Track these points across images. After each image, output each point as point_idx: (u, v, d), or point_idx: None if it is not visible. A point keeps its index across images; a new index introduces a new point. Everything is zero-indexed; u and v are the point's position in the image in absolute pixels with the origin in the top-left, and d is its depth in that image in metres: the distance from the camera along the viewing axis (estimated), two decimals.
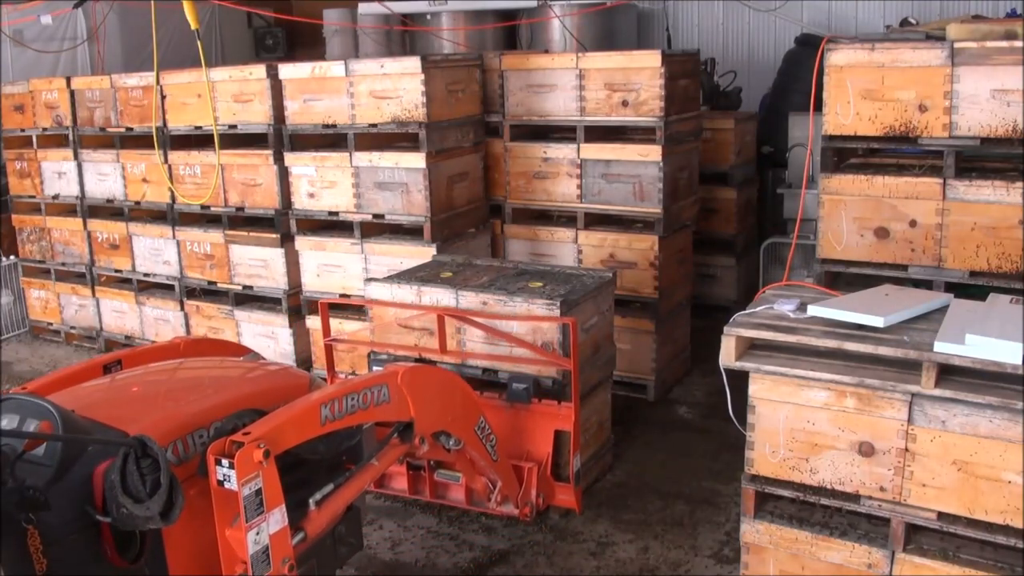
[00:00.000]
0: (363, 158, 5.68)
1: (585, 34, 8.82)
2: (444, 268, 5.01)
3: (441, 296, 4.57)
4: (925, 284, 3.94)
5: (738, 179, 7.22)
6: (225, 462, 2.52)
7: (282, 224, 6.12)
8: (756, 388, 3.30)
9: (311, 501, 2.91)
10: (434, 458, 4.22)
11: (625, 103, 5.60)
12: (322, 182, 5.88)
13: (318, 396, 2.93)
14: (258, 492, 2.58)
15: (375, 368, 4.70)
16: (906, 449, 3.08)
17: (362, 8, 9.73)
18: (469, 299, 4.52)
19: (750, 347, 3.38)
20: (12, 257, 7.97)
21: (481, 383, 4.53)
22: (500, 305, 4.44)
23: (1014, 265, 3.76)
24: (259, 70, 6.02)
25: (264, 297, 6.42)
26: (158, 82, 6.33)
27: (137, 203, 6.95)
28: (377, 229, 5.90)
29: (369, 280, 4.90)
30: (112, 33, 10.07)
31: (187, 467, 2.68)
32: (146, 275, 7.06)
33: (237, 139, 6.30)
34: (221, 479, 2.53)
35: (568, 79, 5.76)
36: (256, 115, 6.07)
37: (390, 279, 4.84)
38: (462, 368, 4.57)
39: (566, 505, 4.49)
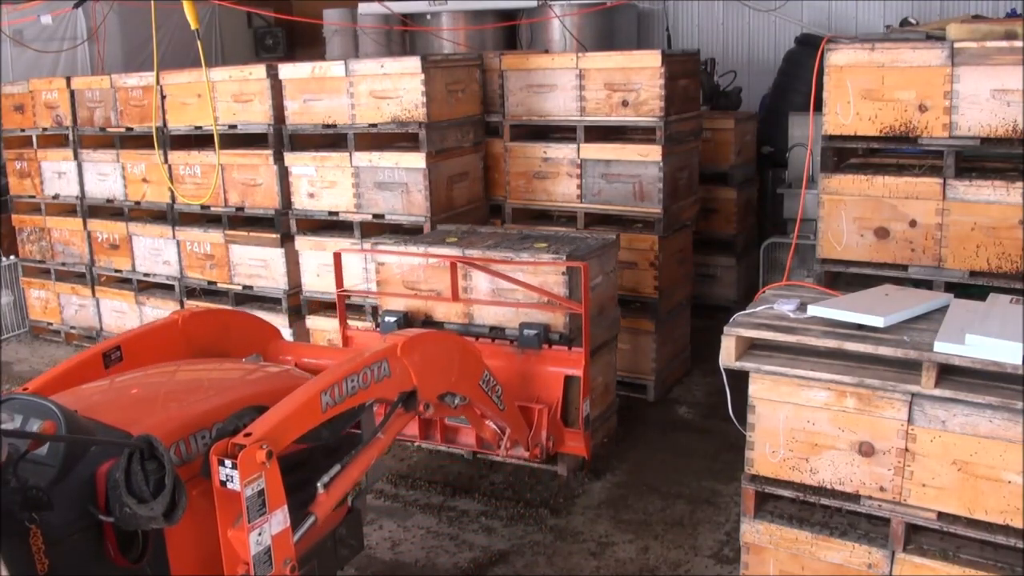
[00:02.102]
0: (363, 158, 5.68)
1: (585, 34, 8.82)
2: (449, 235, 5.18)
3: (448, 254, 4.74)
4: (925, 284, 3.94)
5: (738, 179, 7.22)
6: (228, 463, 2.52)
7: (282, 224, 6.13)
8: (756, 388, 3.30)
9: (319, 484, 2.91)
10: (440, 416, 4.39)
11: (625, 103, 5.60)
12: (322, 182, 5.88)
13: (318, 384, 2.91)
14: (260, 493, 2.57)
15: (387, 319, 4.90)
16: (906, 449, 3.08)
17: (362, 8, 9.73)
18: (475, 256, 4.71)
19: (750, 347, 3.38)
20: (12, 257, 7.97)
21: (490, 340, 4.70)
22: (508, 259, 4.62)
23: (1014, 265, 3.77)
24: (259, 70, 6.02)
25: (264, 297, 6.42)
26: (158, 82, 6.33)
27: (137, 203, 6.95)
28: (377, 229, 5.90)
29: (377, 241, 5.10)
30: (112, 33, 10.06)
31: (190, 468, 2.66)
32: (146, 275, 7.06)
33: (237, 139, 6.31)
34: (224, 480, 2.53)
35: (568, 79, 5.76)
36: (256, 115, 6.07)
37: (397, 240, 5.06)
38: (469, 326, 4.77)
39: (575, 452, 4.64)
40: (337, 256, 5.10)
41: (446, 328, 4.80)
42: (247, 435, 2.60)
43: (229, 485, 2.53)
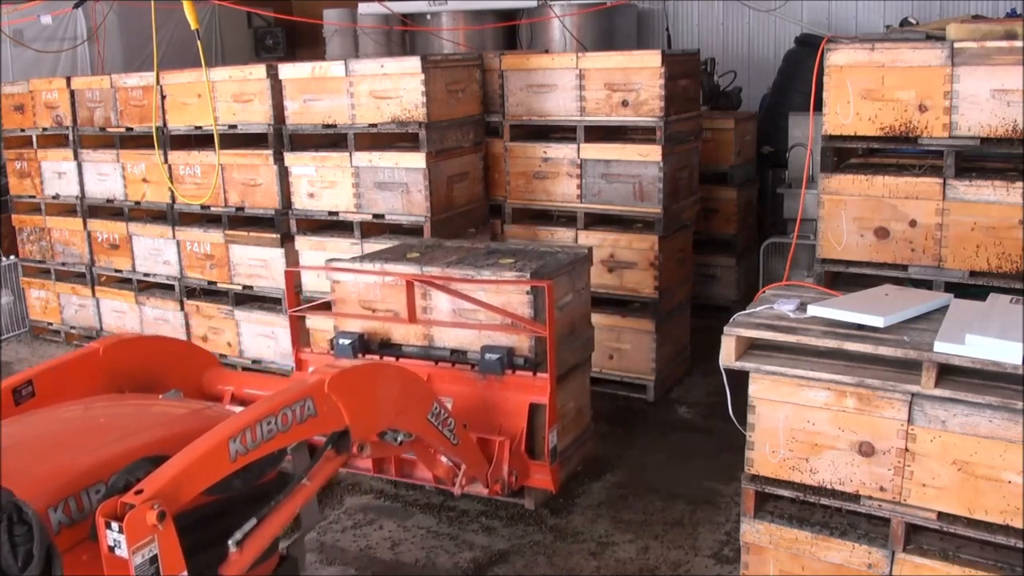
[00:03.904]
0: (363, 158, 5.68)
1: (585, 34, 8.83)
2: (411, 249, 4.89)
3: (407, 271, 4.48)
4: (925, 284, 3.94)
5: (738, 179, 7.22)
6: (115, 526, 2.20)
7: (282, 224, 6.13)
8: (756, 388, 3.30)
9: (230, 542, 2.57)
10: (380, 456, 4.05)
11: (625, 103, 5.60)
12: (322, 182, 5.88)
13: (225, 430, 2.58)
14: (153, 560, 2.26)
15: (341, 341, 4.58)
16: (906, 449, 3.08)
17: (362, 8, 9.74)
18: (434, 274, 4.43)
19: (750, 347, 3.38)
20: (12, 257, 7.97)
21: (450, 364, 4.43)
22: (469, 278, 4.34)
23: (1014, 265, 3.76)
24: (259, 70, 6.02)
25: (264, 297, 6.42)
26: (158, 82, 6.33)
27: (137, 203, 6.95)
28: (377, 229, 5.90)
29: (332, 260, 4.84)
30: (112, 33, 10.07)
31: (81, 528, 2.35)
32: (146, 275, 7.06)
33: (237, 139, 6.31)
34: (111, 545, 2.21)
35: (568, 79, 5.76)
36: (256, 115, 6.07)
37: (353, 259, 4.79)
38: (429, 349, 4.48)
39: (541, 485, 4.31)
40: (289, 275, 4.87)
41: (404, 351, 4.53)
42: (138, 492, 2.28)
43: (117, 551, 2.22)
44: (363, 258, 4.80)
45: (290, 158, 5.97)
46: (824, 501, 3.29)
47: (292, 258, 6.14)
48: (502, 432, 4.20)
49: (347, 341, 4.57)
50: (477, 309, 4.34)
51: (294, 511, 2.87)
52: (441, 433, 3.59)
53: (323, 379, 2.91)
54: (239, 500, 2.72)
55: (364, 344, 4.61)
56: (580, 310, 4.72)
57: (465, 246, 4.98)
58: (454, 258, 4.63)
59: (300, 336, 4.86)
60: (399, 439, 3.41)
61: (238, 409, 3.04)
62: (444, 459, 3.94)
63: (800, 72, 7.61)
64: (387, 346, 4.61)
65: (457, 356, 4.43)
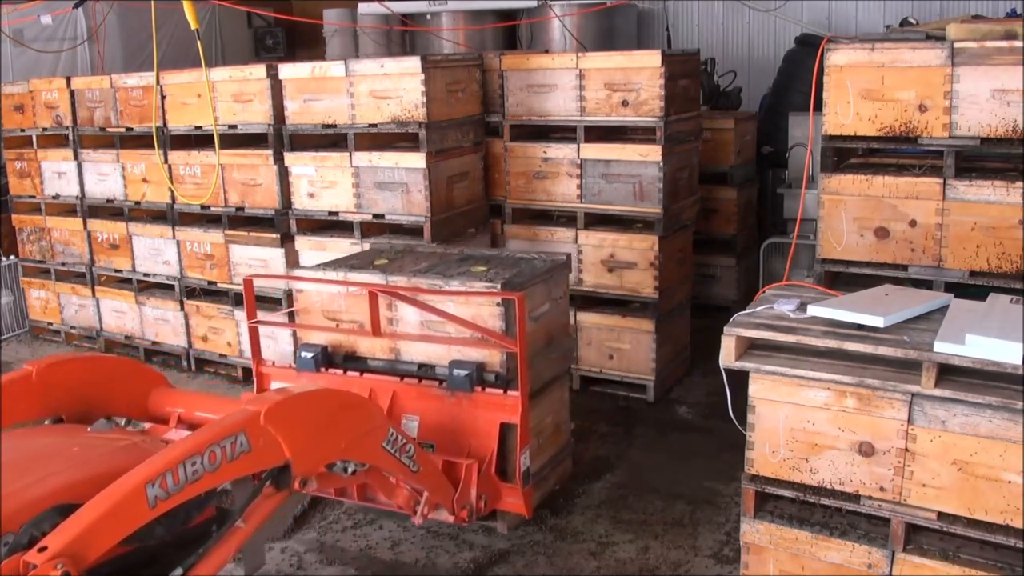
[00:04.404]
0: (363, 158, 5.68)
1: (585, 34, 8.83)
2: (381, 255, 4.74)
3: (370, 281, 4.26)
4: (925, 284, 3.94)
5: (738, 179, 7.22)
6: None
7: (282, 224, 6.13)
8: (756, 388, 3.31)
9: None
10: (329, 488, 3.73)
11: (625, 103, 5.60)
12: (322, 182, 5.88)
13: (141, 475, 2.35)
14: None
15: (303, 354, 4.36)
16: (906, 449, 3.08)
17: (362, 8, 9.74)
18: (400, 284, 4.21)
19: (750, 347, 3.38)
20: (12, 257, 7.97)
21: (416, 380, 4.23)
22: (436, 288, 4.14)
23: (1014, 265, 3.76)
24: (259, 70, 6.02)
25: (264, 297, 6.41)
26: (158, 82, 6.33)
27: (137, 203, 6.95)
28: (377, 229, 5.90)
29: (294, 267, 4.69)
30: (112, 33, 10.07)
31: None
32: (146, 275, 7.06)
33: (237, 139, 6.31)
34: None
35: (568, 79, 5.76)
36: (256, 115, 6.07)
37: (317, 266, 4.60)
38: (396, 363, 4.26)
39: (513, 509, 4.11)
40: (248, 283, 4.46)
41: (370, 365, 4.31)
42: (41, 550, 2.09)
43: None
44: (327, 265, 4.58)
45: (290, 158, 5.97)
46: (824, 501, 3.29)
47: (292, 258, 6.14)
48: (472, 453, 3.98)
49: (309, 354, 4.35)
50: (446, 321, 4.11)
51: (228, 556, 2.65)
52: (399, 461, 3.35)
53: (258, 411, 2.67)
54: (167, 546, 2.53)
55: (328, 357, 4.38)
56: (558, 320, 4.51)
57: (438, 251, 4.82)
58: (424, 265, 4.44)
59: (259, 348, 4.55)
60: (350, 470, 3.19)
61: (185, 433, 2.83)
62: (405, 487, 3.70)
63: (800, 72, 7.62)
64: (352, 359, 4.39)
65: (425, 371, 4.21)
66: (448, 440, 4.02)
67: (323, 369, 4.34)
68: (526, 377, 3.94)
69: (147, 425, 3.32)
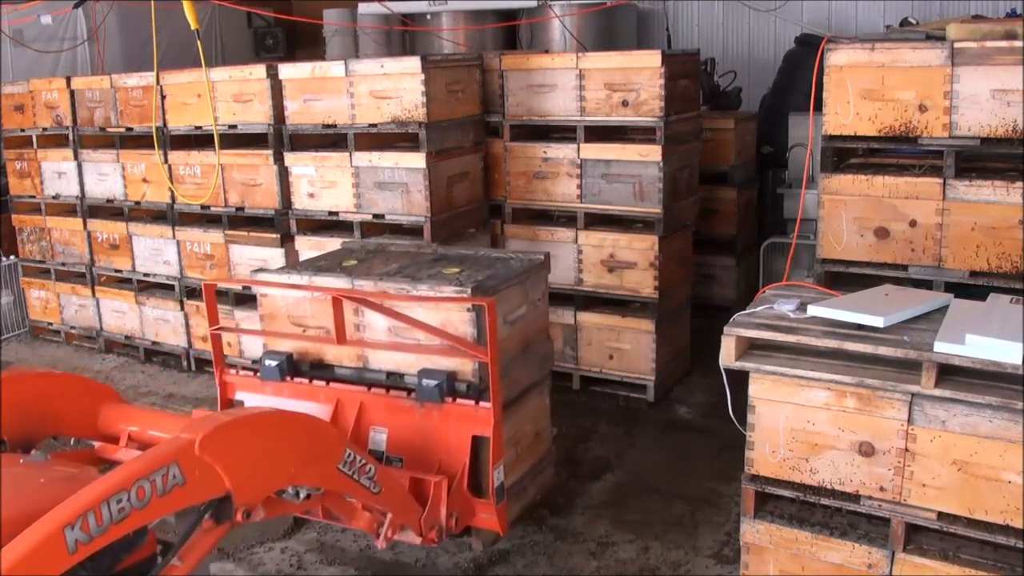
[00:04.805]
0: (363, 158, 5.68)
1: (585, 34, 8.82)
2: (350, 256, 4.54)
3: (334, 286, 4.05)
4: (925, 284, 3.94)
5: (738, 179, 7.22)
6: None
7: (282, 224, 6.13)
8: (756, 388, 3.31)
9: None
10: (278, 515, 3.39)
11: (625, 103, 5.60)
12: (322, 182, 5.88)
13: (58, 518, 2.15)
14: None
15: (268, 363, 4.13)
16: (906, 449, 3.08)
17: (362, 8, 9.74)
18: (366, 288, 3.98)
19: (750, 347, 3.38)
20: (12, 257, 7.97)
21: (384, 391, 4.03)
22: (403, 293, 3.90)
23: (1014, 265, 3.76)
24: (259, 70, 6.02)
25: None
26: (158, 82, 6.33)
27: (137, 203, 6.95)
28: (377, 229, 5.90)
29: (258, 271, 4.45)
30: (112, 33, 10.06)
31: None
32: (146, 275, 7.06)
33: (237, 139, 6.31)
34: None
35: (568, 79, 5.76)
36: (256, 115, 6.07)
37: (281, 269, 4.41)
38: (364, 372, 4.07)
39: (487, 526, 3.92)
40: (209, 287, 4.22)
41: (337, 373, 4.11)
42: None
43: None
44: (292, 268, 4.35)
45: (290, 158, 5.97)
46: (824, 501, 3.29)
47: (292, 258, 6.14)
48: (443, 467, 3.78)
49: (274, 363, 4.12)
50: (415, 328, 3.89)
51: None
52: (357, 483, 3.13)
53: (192, 439, 2.47)
54: None
55: (294, 365, 4.17)
56: (536, 324, 4.29)
57: (411, 251, 4.61)
58: (394, 267, 4.23)
59: (222, 357, 4.30)
60: (302, 495, 3.01)
61: (136, 453, 2.66)
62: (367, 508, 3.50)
63: (800, 72, 7.60)
64: (320, 367, 4.19)
65: (395, 380, 4.00)
66: (418, 454, 3.83)
67: (288, 378, 4.13)
68: (498, 387, 3.71)
69: (97, 444, 3.18)
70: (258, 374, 4.21)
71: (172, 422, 3.22)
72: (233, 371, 4.31)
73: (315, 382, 4.11)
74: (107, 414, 3.22)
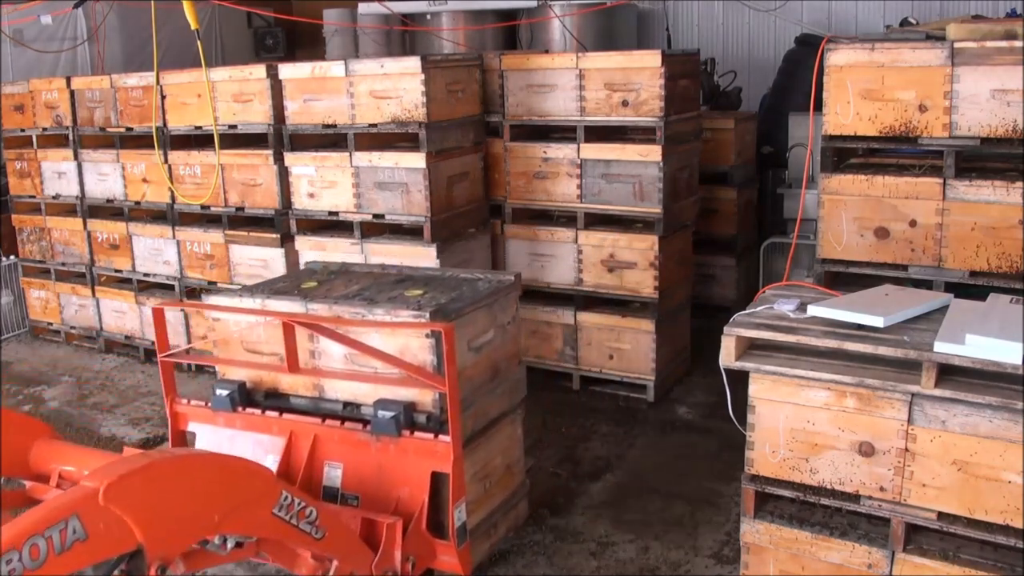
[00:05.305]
0: (363, 158, 5.68)
1: (585, 34, 8.82)
2: (312, 277, 4.35)
3: (287, 310, 3.84)
4: (925, 284, 3.94)
5: (738, 179, 7.22)
6: None
7: (282, 224, 6.13)
8: (756, 388, 3.30)
9: None
10: (202, 569, 3.04)
11: (625, 103, 5.60)
12: (322, 182, 5.88)
13: None
14: None
15: (219, 392, 3.89)
16: (906, 449, 3.08)
17: (362, 8, 9.74)
18: (320, 312, 3.77)
19: (750, 347, 3.38)
20: (12, 257, 7.97)
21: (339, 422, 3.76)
22: (357, 318, 3.67)
23: (1014, 265, 3.76)
24: (259, 70, 6.02)
25: None
26: (158, 82, 6.33)
27: (137, 203, 6.95)
28: (377, 229, 5.90)
29: (208, 292, 4.22)
30: (112, 33, 10.07)
31: None
32: (146, 275, 7.06)
33: (237, 139, 6.31)
34: None
35: (568, 79, 5.76)
36: (256, 115, 6.07)
37: (234, 291, 4.13)
38: (320, 401, 3.84)
39: (448, 569, 3.64)
40: (159, 312, 3.95)
41: (293, 403, 3.88)
42: None
43: None
44: (246, 291, 4.09)
45: (290, 158, 5.97)
46: (824, 501, 3.29)
47: (292, 258, 6.14)
48: (400, 506, 3.52)
49: (225, 392, 3.89)
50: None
51: None
52: (295, 529, 2.89)
53: (96, 488, 2.21)
54: None
55: (246, 395, 3.94)
56: (505, 349, 4.04)
57: (376, 272, 4.40)
58: (354, 289, 4.03)
59: (173, 383, 4.05)
60: (230, 545, 2.75)
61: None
62: (309, 556, 3.19)
63: (800, 72, 7.60)
64: (275, 396, 3.96)
65: (351, 410, 3.76)
66: (374, 491, 3.58)
67: (240, 408, 3.90)
68: (458, 421, 3.47)
69: (28, 484, 2.97)
70: (209, 404, 3.98)
71: (100, 459, 2.90)
72: (184, 401, 4.05)
73: (268, 413, 3.86)
74: (38, 451, 2.98)
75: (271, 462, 3.73)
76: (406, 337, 3.57)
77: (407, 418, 3.57)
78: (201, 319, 6.71)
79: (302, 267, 6.05)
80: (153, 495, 2.37)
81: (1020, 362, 2.85)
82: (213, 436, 3.97)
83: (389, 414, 3.55)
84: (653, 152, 5.57)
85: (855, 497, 3.22)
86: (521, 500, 4.32)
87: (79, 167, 7.25)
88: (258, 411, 3.89)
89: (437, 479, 3.54)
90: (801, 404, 3.23)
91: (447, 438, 3.47)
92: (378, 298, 3.84)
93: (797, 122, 6.93)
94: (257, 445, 3.83)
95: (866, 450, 3.15)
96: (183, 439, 4.08)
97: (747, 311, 3.52)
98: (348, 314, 3.69)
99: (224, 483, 2.67)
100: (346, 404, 3.79)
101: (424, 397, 3.60)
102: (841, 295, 3.57)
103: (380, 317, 3.61)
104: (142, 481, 2.35)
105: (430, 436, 3.52)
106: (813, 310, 3.38)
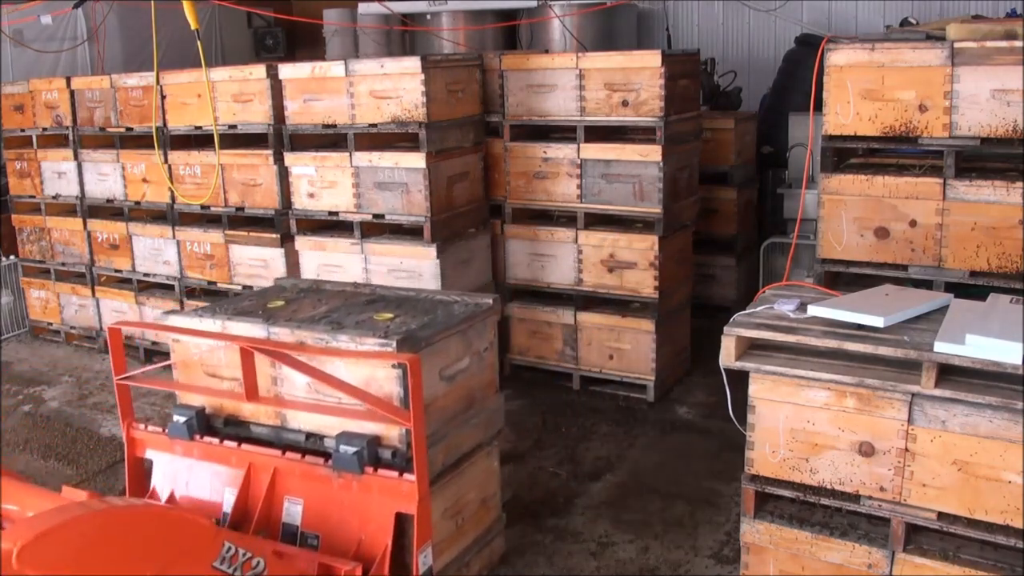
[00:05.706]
0: (363, 158, 5.68)
1: (585, 34, 8.82)
2: (281, 294, 4.13)
3: (248, 333, 3.61)
4: (925, 284, 3.94)
5: (738, 179, 7.22)
6: None
7: (282, 224, 6.13)
8: (756, 388, 3.30)
9: None
10: None
11: (625, 103, 5.60)
12: (322, 182, 5.88)
13: None
14: None
15: (176, 418, 3.70)
16: (906, 449, 3.08)
17: (362, 8, 9.74)
18: (282, 336, 3.53)
19: (750, 347, 3.38)
20: (12, 257, 7.97)
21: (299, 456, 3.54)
22: (320, 345, 3.43)
23: (1014, 265, 3.77)
24: (259, 70, 6.02)
25: None
26: (158, 82, 6.33)
27: (137, 203, 6.95)
28: (377, 229, 5.90)
29: (169, 312, 3.99)
30: (112, 33, 10.07)
31: None
32: (146, 275, 7.06)
33: (237, 139, 6.31)
34: None
35: (568, 79, 5.76)
36: (256, 115, 6.07)
37: (195, 311, 3.91)
38: (282, 431, 3.61)
39: None
40: (115, 332, 3.77)
41: (253, 432, 3.66)
42: None
43: None
44: (209, 310, 3.89)
45: (290, 158, 5.97)
46: (824, 501, 3.29)
47: (292, 258, 6.14)
48: (362, 548, 3.31)
49: (182, 419, 3.69)
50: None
51: None
52: None
53: (8, 550, 2.02)
54: None
55: (205, 421, 3.73)
56: (481, 377, 3.79)
57: (348, 291, 4.18)
58: (322, 310, 3.80)
59: (131, 409, 3.86)
60: None
61: None
62: None
63: (800, 72, 7.61)
64: (232, 423, 3.73)
65: (314, 442, 3.52)
66: (336, 530, 3.38)
67: (198, 436, 3.70)
68: (424, 458, 3.27)
69: None
70: (166, 431, 3.79)
71: (38, 498, 2.72)
72: (142, 427, 3.86)
73: (226, 443, 3.65)
74: None
75: (229, 495, 3.57)
76: (372, 367, 3.33)
77: (371, 454, 3.34)
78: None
79: (301, 267, 6.08)
80: (75, 553, 2.19)
81: (1020, 362, 2.85)
82: (170, 466, 3.77)
83: (352, 449, 3.33)
84: (653, 152, 5.57)
85: (855, 497, 3.22)
86: (497, 536, 4.07)
87: (79, 167, 7.25)
88: (216, 440, 3.68)
89: (402, 519, 3.34)
90: (801, 404, 3.23)
91: (412, 477, 3.26)
92: (345, 321, 3.61)
93: (797, 122, 6.93)
94: (215, 476, 3.66)
95: (866, 450, 3.15)
96: (140, 466, 3.89)
97: (747, 311, 3.52)
98: (312, 339, 3.45)
99: (158, 537, 2.50)
100: (309, 435, 3.55)
101: (390, 431, 3.36)
102: (841, 295, 3.57)
103: (344, 344, 3.38)
104: (62, 540, 2.17)
105: (395, 474, 3.30)
106: (813, 310, 3.38)
